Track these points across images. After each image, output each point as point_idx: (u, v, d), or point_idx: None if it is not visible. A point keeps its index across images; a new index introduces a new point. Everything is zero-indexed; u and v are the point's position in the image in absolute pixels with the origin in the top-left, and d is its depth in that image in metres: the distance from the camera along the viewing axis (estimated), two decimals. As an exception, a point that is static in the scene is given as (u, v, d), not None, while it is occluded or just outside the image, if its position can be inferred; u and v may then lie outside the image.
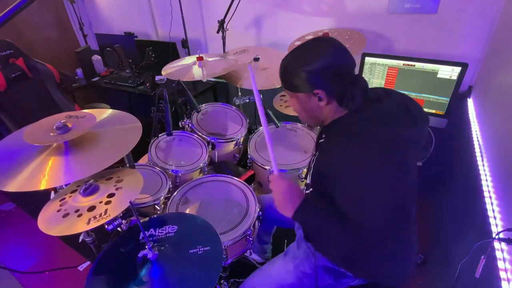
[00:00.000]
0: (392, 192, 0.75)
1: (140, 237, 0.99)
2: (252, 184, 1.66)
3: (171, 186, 1.48)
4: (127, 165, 1.24)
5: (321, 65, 0.79)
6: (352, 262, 0.81)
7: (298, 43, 1.80)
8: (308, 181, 1.00)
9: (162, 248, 0.93)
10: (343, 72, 0.81)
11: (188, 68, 1.75)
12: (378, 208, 0.74)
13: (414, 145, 0.80)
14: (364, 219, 0.75)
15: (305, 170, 1.58)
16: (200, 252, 0.90)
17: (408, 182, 0.78)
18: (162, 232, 0.99)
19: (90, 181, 0.92)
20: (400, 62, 1.58)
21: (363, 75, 1.69)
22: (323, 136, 0.96)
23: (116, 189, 0.92)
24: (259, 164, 1.62)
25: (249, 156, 1.70)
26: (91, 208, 0.86)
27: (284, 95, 1.97)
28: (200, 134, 1.76)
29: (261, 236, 1.52)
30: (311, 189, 0.95)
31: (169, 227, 1.01)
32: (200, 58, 1.77)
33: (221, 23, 2.08)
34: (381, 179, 0.74)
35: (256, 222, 1.29)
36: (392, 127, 0.77)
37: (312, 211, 0.85)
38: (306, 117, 0.94)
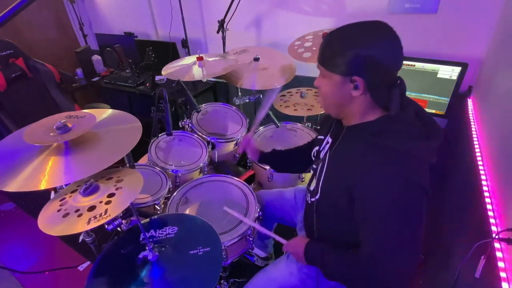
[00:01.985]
0: (421, 218, 0.72)
1: (141, 238, 0.99)
2: (252, 184, 1.66)
3: (171, 186, 1.48)
4: (127, 165, 1.24)
5: (376, 52, 0.70)
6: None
7: (298, 43, 1.80)
8: (312, 187, 0.95)
9: (163, 249, 0.93)
10: (391, 67, 0.73)
11: (188, 68, 1.75)
12: (407, 239, 0.72)
13: (433, 157, 0.75)
14: (386, 251, 0.73)
15: (307, 174, 1.57)
16: (200, 253, 0.90)
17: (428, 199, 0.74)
18: (163, 233, 1.00)
19: (90, 181, 0.92)
20: (400, 62, 1.58)
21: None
22: (328, 140, 0.91)
23: (116, 189, 0.91)
24: (259, 164, 1.62)
25: (249, 156, 1.70)
26: (91, 208, 0.86)
27: (284, 95, 1.97)
28: (200, 134, 1.76)
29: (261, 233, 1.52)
30: (317, 197, 0.90)
31: (169, 228, 1.01)
32: (200, 58, 1.77)
33: (221, 23, 2.08)
34: (413, 203, 0.71)
35: (256, 222, 1.29)
36: (418, 141, 0.73)
37: (314, 254, 0.90)
38: (330, 103, 0.84)
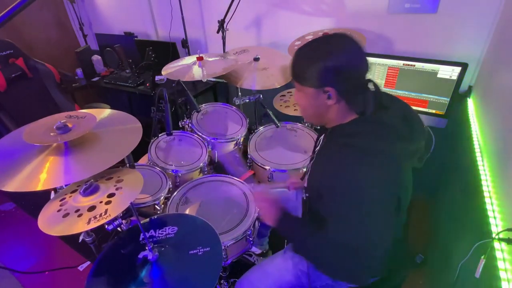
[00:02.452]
0: (382, 211, 0.75)
1: (141, 238, 0.99)
2: (252, 184, 1.66)
3: (171, 186, 1.48)
4: (127, 165, 1.24)
5: (341, 61, 0.75)
6: (324, 265, 0.85)
7: (298, 43, 1.80)
8: (305, 184, 1.00)
9: (162, 249, 0.93)
10: (358, 73, 0.78)
11: (188, 68, 1.75)
12: (364, 226, 0.75)
13: (410, 158, 0.80)
14: (345, 236, 0.76)
15: (305, 170, 1.58)
16: (200, 253, 0.90)
17: (397, 195, 0.78)
18: (162, 233, 1.00)
19: (90, 181, 0.92)
20: (400, 62, 1.58)
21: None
22: (321, 139, 0.95)
23: (116, 189, 0.91)
24: (259, 164, 1.62)
25: (249, 156, 1.70)
26: (91, 208, 0.86)
27: (284, 95, 1.97)
28: (200, 134, 1.76)
29: (260, 231, 1.53)
30: (307, 194, 0.95)
31: (169, 228, 1.01)
32: (200, 58, 1.77)
33: (221, 23, 2.08)
34: (372, 198, 0.74)
35: (256, 222, 1.29)
36: (390, 142, 0.76)
37: (288, 224, 0.91)
38: (310, 114, 0.90)
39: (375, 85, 0.81)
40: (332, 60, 0.75)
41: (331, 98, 0.79)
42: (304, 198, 1.02)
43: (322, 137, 0.98)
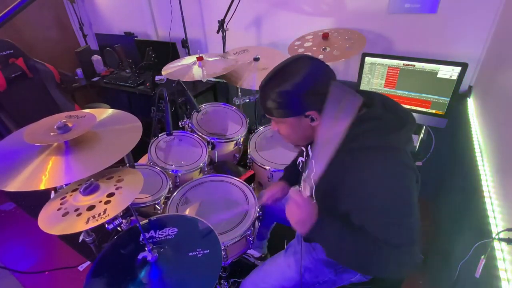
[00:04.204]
0: (414, 200, 0.74)
1: (140, 239, 0.99)
2: (252, 184, 1.66)
3: (171, 186, 1.48)
4: (127, 165, 1.24)
5: (310, 82, 0.74)
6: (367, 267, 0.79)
7: (298, 43, 1.80)
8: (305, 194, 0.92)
9: (162, 250, 0.93)
10: (327, 85, 0.75)
11: (188, 68, 1.75)
12: (405, 222, 0.73)
13: (409, 145, 0.79)
14: (390, 236, 0.73)
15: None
16: (200, 255, 0.90)
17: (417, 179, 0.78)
18: (162, 234, 1.00)
19: (91, 180, 0.92)
20: (400, 62, 1.58)
21: (363, 75, 1.69)
22: (310, 151, 0.93)
23: (116, 188, 0.91)
24: (259, 164, 1.62)
25: (249, 156, 1.70)
26: (91, 208, 0.86)
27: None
28: (200, 134, 1.76)
29: (260, 232, 1.53)
30: (314, 201, 0.91)
31: (169, 229, 1.01)
32: (200, 58, 1.77)
33: (221, 23, 2.08)
34: (405, 191, 0.73)
35: (256, 222, 1.29)
36: (387, 134, 0.75)
37: (326, 228, 0.80)
38: (296, 139, 0.89)
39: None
40: (300, 85, 0.74)
41: (315, 120, 0.78)
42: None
43: (308, 148, 0.95)
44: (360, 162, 0.75)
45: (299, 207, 0.79)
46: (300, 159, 1.08)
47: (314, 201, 0.86)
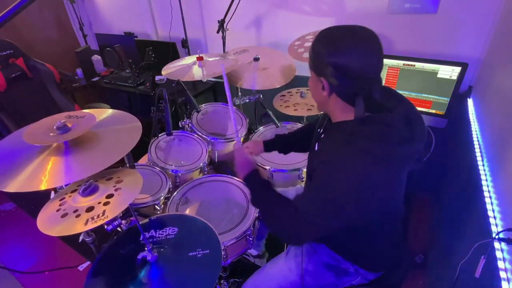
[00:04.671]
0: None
1: (140, 238, 0.99)
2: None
3: (171, 186, 1.48)
4: (127, 165, 1.24)
5: (342, 60, 0.73)
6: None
7: (298, 43, 1.80)
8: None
9: (162, 250, 0.93)
10: (359, 77, 0.75)
11: (188, 68, 1.75)
12: (345, 218, 0.78)
13: (407, 161, 0.79)
14: (324, 222, 0.79)
15: (305, 170, 1.58)
16: (200, 255, 0.90)
17: (394, 195, 0.80)
18: (162, 234, 1.00)
19: (90, 181, 0.92)
20: (400, 62, 1.58)
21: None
22: (323, 131, 0.95)
23: (115, 190, 0.91)
24: (259, 164, 1.62)
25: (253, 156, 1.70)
26: (90, 209, 0.86)
27: (284, 95, 1.97)
28: (200, 134, 1.76)
29: (259, 231, 1.53)
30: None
31: (169, 229, 1.01)
32: (200, 58, 1.77)
33: (221, 23, 2.08)
34: (369, 193, 0.74)
35: (256, 222, 1.29)
36: (390, 145, 0.73)
37: (258, 181, 0.98)
38: (314, 98, 0.91)
39: (378, 87, 0.79)
40: (335, 55, 0.73)
41: (324, 89, 0.80)
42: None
43: (320, 130, 0.97)
44: (344, 155, 0.76)
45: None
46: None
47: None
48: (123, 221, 1.03)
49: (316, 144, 0.94)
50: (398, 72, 1.60)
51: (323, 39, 0.78)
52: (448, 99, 1.52)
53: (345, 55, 0.73)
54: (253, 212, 1.26)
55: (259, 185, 0.98)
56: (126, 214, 1.03)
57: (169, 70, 1.76)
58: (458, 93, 1.52)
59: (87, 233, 1.06)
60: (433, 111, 1.58)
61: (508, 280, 0.77)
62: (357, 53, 0.73)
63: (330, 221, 0.78)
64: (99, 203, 0.87)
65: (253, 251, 1.61)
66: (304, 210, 0.80)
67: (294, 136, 1.34)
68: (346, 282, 1.02)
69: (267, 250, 1.65)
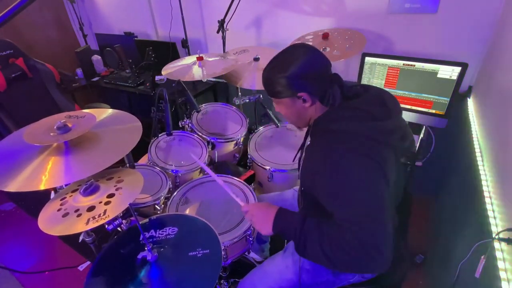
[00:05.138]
0: (372, 186, 0.77)
1: (140, 238, 0.99)
2: (252, 184, 1.66)
3: (171, 186, 1.48)
4: (127, 165, 1.24)
5: (299, 69, 0.83)
6: (335, 260, 0.79)
7: (298, 42, 1.80)
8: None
9: (162, 249, 0.93)
10: (320, 73, 0.85)
11: (188, 68, 1.75)
12: (361, 202, 0.76)
13: (390, 136, 0.82)
14: (347, 214, 0.77)
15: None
16: (200, 255, 0.90)
17: (387, 176, 0.78)
18: (162, 234, 1.00)
19: (91, 181, 0.92)
20: (400, 62, 1.58)
21: (363, 75, 1.69)
22: (309, 138, 0.98)
23: (116, 189, 0.91)
24: (259, 164, 1.62)
25: (249, 156, 1.70)
26: (91, 208, 0.86)
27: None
28: (200, 134, 1.76)
29: (260, 235, 1.52)
30: (302, 188, 0.96)
31: (169, 229, 1.01)
32: (200, 58, 1.77)
33: (221, 23, 2.08)
34: (359, 174, 0.77)
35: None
36: (366, 122, 0.80)
37: (289, 217, 0.89)
38: (294, 119, 0.98)
39: (339, 77, 0.89)
40: (294, 69, 0.83)
41: (306, 101, 0.87)
42: (299, 192, 1.05)
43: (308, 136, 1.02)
44: (321, 143, 0.85)
45: (251, 212, 0.95)
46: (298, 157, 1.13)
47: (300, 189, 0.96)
48: (124, 221, 1.03)
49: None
50: (398, 72, 1.60)
51: (276, 65, 0.88)
52: (448, 99, 1.52)
53: (304, 61, 0.84)
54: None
55: (294, 229, 0.85)
56: (126, 214, 1.03)
57: (169, 70, 1.77)
58: (458, 93, 1.52)
59: (87, 233, 1.06)
60: (433, 111, 1.58)
61: (508, 280, 0.77)
62: (308, 55, 0.85)
63: (376, 210, 0.75)
64: (100, 202, 0.87)
65: (256, 257, 1.60)
66: (346, 222, 0.76)
67: None
68: (343, 280, 1.02)
69: (271, 255, 1.63)
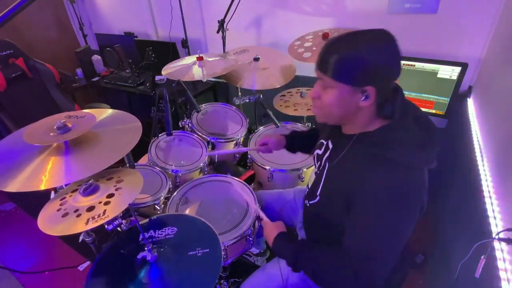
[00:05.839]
0: (407, 232, 0.74)
1: (140, 238, 0.99)
2: (252, 184, 1.66)
3: (171, 186, 1.48)
4: (127, 165, 1.24)
5: (386, 60, 0.69)
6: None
7: (298, 43, 1.80)
8: (311, 191, 0.95)
9: (162, 249, 0.93)
10: (394, 77, 0.72)
11: (188, 68, 1.75)
12: (392, 244, 0.74)
13: (431, 165, 0.75)
14: (368, 248, 0.74)
15: (305, 170, 1.58)
16: (199, 254, 0.90)
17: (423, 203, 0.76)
18: (162, 234, 1.00)
19: (91, 181, 0.92)
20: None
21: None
22: (329, 144, 0.90)
23: (116, 189, 0.91)
24: (259, 164, 1.62)
25: (249, 156, 1.70)
26: (90, 208, 0.86)
27: (284, 95, 1.97)
28: (200, 134, 1.76)
29: (258, 230, 1.52)
30: (315, 200, 0.91)
31: (168, 229, 1.01)
32: (200, 58, 1.77)
33: (221, 23, 2.08)
34: (403, 221, 0.72)
35: (256, 222, 1.29)
36: (415, 151, 0.71)
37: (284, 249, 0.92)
38: (333, 114, 0.79)
39: (400, 89, 0.77)
40: (378, 57, 0.68)
41: (368, 98, 0.71)
42: (308, 205, 0.97)
43: (328, 143, 0.91)
44: (373, 171, 0.73)
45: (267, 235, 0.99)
46: (316, 152, 0.99)
47: (315, 199, 0.92)
48: (123, 221, 1.03)
49: (328, 159, 0.88)
50: (398, 72, 1.60)
51: (358, 43, 0.69)
52: (448, 99, 1.52)
53: (388, 55, 0.69)
54: (253, 212, 1.26)
55: (289, 249, 0.89)
56: (126, 214, 1.03)
57: (169, 70, 1.76)
58: (458, 93, 1.52)
59: (87, 233, 1.06)
60: (434, 111, 1.58)
61: (508, 280, 0.77)
62: (393, 52, 0.70)
63: (396, 246, 0.74)
64: (100, 202, 0.87)
65: (253, 249, 1.61)
66: (364, 253, 0.74)
67: (306, 136, 1.27)
68: None
69: (268, 248, 1.65)
